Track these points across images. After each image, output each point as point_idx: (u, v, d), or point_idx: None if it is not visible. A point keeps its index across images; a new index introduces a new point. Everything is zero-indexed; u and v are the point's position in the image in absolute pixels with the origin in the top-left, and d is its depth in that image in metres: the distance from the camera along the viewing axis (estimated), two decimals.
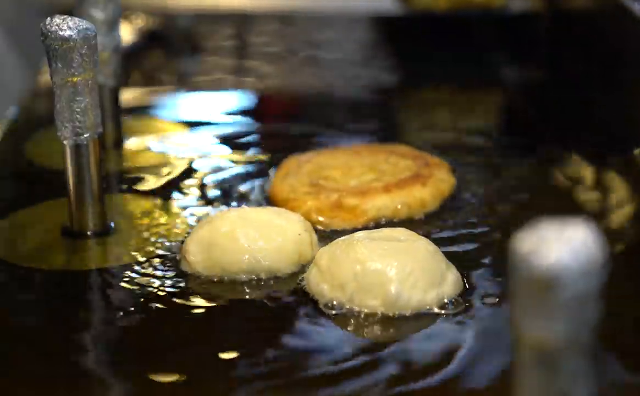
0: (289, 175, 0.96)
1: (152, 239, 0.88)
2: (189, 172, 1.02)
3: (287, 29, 1.48)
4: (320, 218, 0.90)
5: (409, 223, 0.90)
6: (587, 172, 1.00)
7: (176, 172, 1.02)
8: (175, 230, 0.89)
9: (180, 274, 0.82)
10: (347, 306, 0.76)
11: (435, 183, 0.94)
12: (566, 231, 0.48)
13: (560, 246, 0.47)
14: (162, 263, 0.84)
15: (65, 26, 0.83)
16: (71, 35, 0.82)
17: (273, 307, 0.78)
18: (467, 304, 0.77)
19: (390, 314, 0.75)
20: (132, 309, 0.79)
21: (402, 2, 1.43)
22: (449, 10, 1.40)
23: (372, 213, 0.90)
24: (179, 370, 0.71)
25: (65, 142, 0.86)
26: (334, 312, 0.76)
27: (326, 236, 0.88)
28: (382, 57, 1.40)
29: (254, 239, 0.81)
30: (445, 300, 0.77)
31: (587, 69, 1.22)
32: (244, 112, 1.23)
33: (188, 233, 0.86)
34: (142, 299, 0.80)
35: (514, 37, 1.41)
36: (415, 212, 0.92)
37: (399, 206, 0.91)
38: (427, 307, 0.76)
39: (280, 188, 0.94)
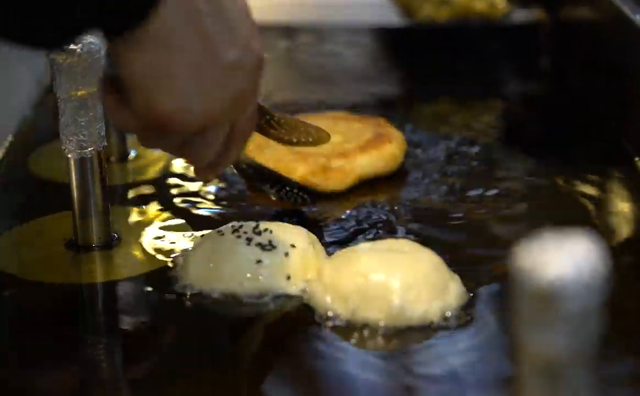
0: (262, 147, 0.97)
1: (156, 251, 0.88)
2: (193, 185, 1.02)
3: (290, 41, 1.48)
4: (315, 181, 0.96)
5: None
6: (591, 184, 1.00)
7: (181, 186, 1.02)
8: (179, 243, 0.89)
9: (183, 287, 0.82)
10: (350, 319, 0.76)
11: (397, 140, 1.02)
12: (569, 244, 0.48)
13: (563, 259, 0.47)
14: (165, 276, 0.84)
15: None
16: (75, 50, 0.83)
17: (276, 321, 0.78)
18: (469, 317, 0.77)
19: (394, 327, 0.75)
20: (136, 321, 0.79)
21: (405, 14, 1.43)
22: (451, 20, 1.41)
23: (357, 171, 0.97)
24: (184, 383, 0.71)
25: (69, 156, 0.86)
26: (337, 324, 0.76)
27: (330, 237, 0.88)
28: (385, 68, 1.41)
29: (256, 253, 0.81)
30: (449, 312, 0.77)
31: (589, 80, 1.22)
32: None
33: (191, 247, 0.86)
34: (145, 312, 0.80)
35: (516, 48, 1.42)
36: (390, 167, 1.00)
37: (377, 162, 0.99)
38: (431, 319, 0.76)
39: (264, 159, 0.94)
